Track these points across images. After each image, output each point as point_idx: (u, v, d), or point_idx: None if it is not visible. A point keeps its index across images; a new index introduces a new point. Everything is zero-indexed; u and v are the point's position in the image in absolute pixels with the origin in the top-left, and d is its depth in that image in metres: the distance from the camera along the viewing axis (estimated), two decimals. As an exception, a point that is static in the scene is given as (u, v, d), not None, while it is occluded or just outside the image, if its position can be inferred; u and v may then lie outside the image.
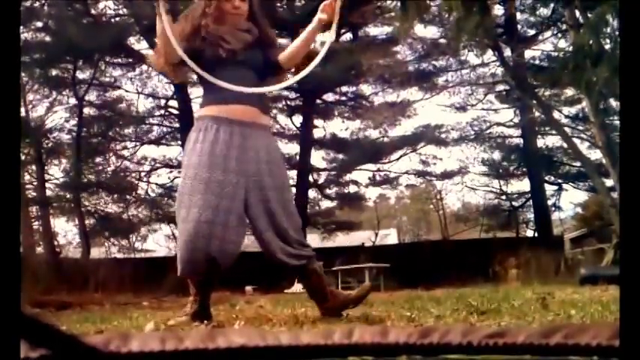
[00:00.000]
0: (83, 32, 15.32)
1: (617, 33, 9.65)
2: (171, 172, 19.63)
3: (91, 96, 19.00)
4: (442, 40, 16.88)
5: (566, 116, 19.09)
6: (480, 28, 10.58)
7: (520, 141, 20.68)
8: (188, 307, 3.27)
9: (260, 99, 3.30)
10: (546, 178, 20.17)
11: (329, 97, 19.89)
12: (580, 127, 18.54)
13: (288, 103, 19.43)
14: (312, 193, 19.90)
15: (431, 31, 17.97)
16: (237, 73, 3.17)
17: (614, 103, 12.12)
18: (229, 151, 3.08)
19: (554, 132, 17.87)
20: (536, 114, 17.80)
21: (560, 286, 7.30)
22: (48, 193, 18.37)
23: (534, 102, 15.00)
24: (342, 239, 19.80)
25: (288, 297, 8.58)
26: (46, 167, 18.52)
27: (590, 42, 9.89)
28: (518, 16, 16.76)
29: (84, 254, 16.61)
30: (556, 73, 12.61)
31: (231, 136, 3.11)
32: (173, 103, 19.04)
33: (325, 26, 3.15)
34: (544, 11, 15.07)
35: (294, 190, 19.32)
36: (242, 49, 3.26)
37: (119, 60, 18.54)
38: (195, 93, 19.35)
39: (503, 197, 21.96)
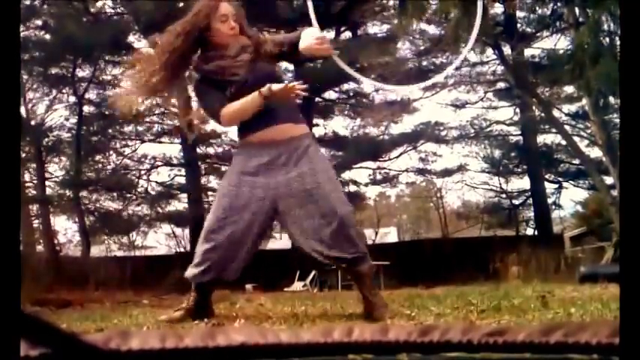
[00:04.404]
0: (83, 30, 15.32)
1: (616, 31, 9.64)
2: (171, 170, 19.64)
3: (91, 94, 19.01)
4: (441, 38, 16.86)
5: (566, 114, 19.10)
6: (479, 28, 10.56)
7: (520, 139, 20.68)
8: (185, 304, 3.30)
9: (292, 113, 3.32)
10: (546, 176, 20.18)
11: (329, 95, 19.89)
12: (580, 125, 18.55)
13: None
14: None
15: (431, 29, 17.91)
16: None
17: (613, 101, 12.11)
18: (258, 170, 3.19)
19: (554, 130, 17.87)
20: (536, 112, 17.80)
21: (560, 284, 7.30)
22: (48, 191, 18.38)
23: (534, 100, 15.00)
24: (343, 237, 19.74)
25: (288, 295, 8.59)
26: (46, 165, 18.53)
27: (590, 40, 9.89)
28: (518, 14, 16.74)
29: (84, 252, 16.62)
30: (556, 71, 12.60)
31: (261, 157, 3.20)
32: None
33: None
34: (544, 9, 15.05)
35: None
36: (252, 69, 3.22)
37: (119, 58, 18.53)
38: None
39: (504, 195, 21.96)
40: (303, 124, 3.41)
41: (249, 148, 3.25)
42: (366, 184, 20.85)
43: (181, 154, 18.89)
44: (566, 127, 16.63)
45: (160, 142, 19.99)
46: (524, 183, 20.93)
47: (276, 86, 3.11)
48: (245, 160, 3.24)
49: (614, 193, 12.07)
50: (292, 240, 3.31)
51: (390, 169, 20.94)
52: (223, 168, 19.79)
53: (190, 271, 3.26)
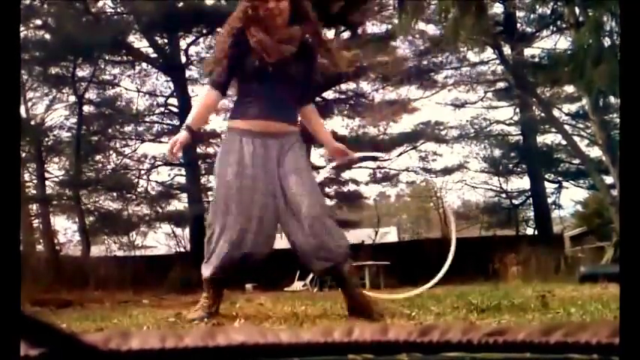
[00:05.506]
0: (83, 30, 15.31)
1: (617, 31, 9.64)
2: (171, 170, 19.64)
3: (91, 94, 19.01)
4: (441, 38, 16.86)
5: (566, 114, 19.10)
6: (477, 28, 10.57)
7: (520, 138, 20.69)
8: (205, 304, 3.28)
9: (290, 113, 3.34)
10: (546, 176, 20.18)
11: (328, 94, 19.88)
12: (580, 125, 18.55)
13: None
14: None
15: (430, 29, 17.91)
16: (273, 88, 3.22)
17: (613, 101, 12.12)
18: (256, 160, 3.19)
19: (554, 129, 17.88)
20: (536, 112, 17.81)
21: (560, 284, 7.31)
22: (48, 190, 18.38)
23: (534, 99, 15.00)
24: (342, 237, 19.78)
25: (288, 295, 8.59)
26: (45, 165, 18.52)
27: (590, 40, 9.88)
28: (518, 14, 16.74)
29: (84, 252, 16.61)
30: (556, 71, 12.60)
31: (257, 147, 3.20)
32: (173, 100, 19.04)
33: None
34: (544, 9, 15.05)
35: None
36: (280, 62, 3.20)
37: (119, 58, 18.54)
38: (197, 91, 19.38)
39: (503, 195, 21.97)
40: (296, 126, 3.42)
41: (242, 134, 3.24)
42: (366, 183, 20.87)
43: (181, 154, 18.86)
44: (566, 127, 16.62)
45: (160, 142, 19.97)
46: (524, 183, 20.97)
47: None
48: (239, 148, 3.22)
49: (614, 193, 12.06)
50: (288, 240, 3.32)
51: (390, 169, 20.97)
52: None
53: (212, 271, 3.24)
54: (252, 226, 3.15)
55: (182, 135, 3.19)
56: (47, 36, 16.88)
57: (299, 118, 3.50)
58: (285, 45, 3.22)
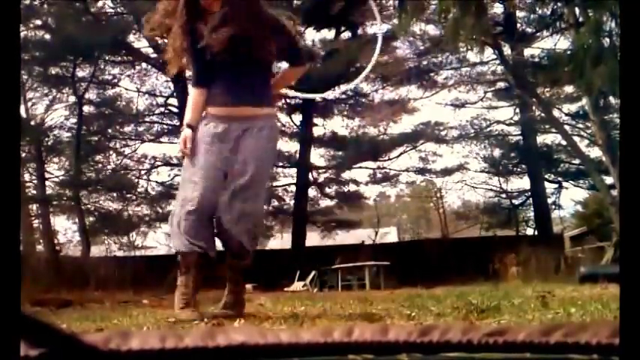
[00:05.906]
0: (83, 30, 15.31)
1: (617, 31, 9.64)
2: (171, 170, 19.64)
3: (91, 94, 19.02)
4: (441, 38, 16.86)
5: (566, 114, 19.10)
6: (477, 28, 10.57)
7: (520, 138, 20.68)
8: (182, 296, 3.32)
9: (260, 96, 3.35)
10: (546, 176, 20.18)
11: (328, 94, 19.86)
12: (580, 125, 18.55)
13: (288, 101, 19.44)
14: (311, 192, 19.89)
15: (430, 29, 17.93)
16: (236, 74, 3.27)
17: (613, 101, 12.11)
18: (223, 144, 3.25)
19: (554, 130, 17.88)
20: (536, 112, 17.81)
21: (560, 285, 7.30)
22: (48, 191, 18.39)
23: (534, 100, 15.01)
24: (342, 237, 19.81)
25: (288, 295, 8.59)
26: (45, 165, 18.53)
27: (590, 40, 9.88)
28: (518, 14, 16.74)
29: (84, 252, 16.61)
30: (556, 71, 12.60)
31: (226, 130, 3.26)
32: (173, 101, 19.03)
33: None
34: (544, 9, 15.06)
35: (292, 187, 19.34)
36: (229, 49, 3.21)
37: (119, 58, 18.54)
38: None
39: (503, 195, 21.96)
40: (270, 107, 3.46)
41: (212, 119, 3.30)
42: (366, 184, 20.86)
43: (181, 153, 18.85)
44: (566, 127, 16.63)
45: (160, 142, 20.00)
46: (524, 183, 20.96)
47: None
48: (207, 133, 3.29)
49: (614, 193, 12.06)
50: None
51: (390, 169, 20.96)
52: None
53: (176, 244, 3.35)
54: (192, 205, 3.21)
55: (188, 132, 3.27)
56: (47, 36, 16.89)
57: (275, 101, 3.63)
58: (220, 32, 3.21)
